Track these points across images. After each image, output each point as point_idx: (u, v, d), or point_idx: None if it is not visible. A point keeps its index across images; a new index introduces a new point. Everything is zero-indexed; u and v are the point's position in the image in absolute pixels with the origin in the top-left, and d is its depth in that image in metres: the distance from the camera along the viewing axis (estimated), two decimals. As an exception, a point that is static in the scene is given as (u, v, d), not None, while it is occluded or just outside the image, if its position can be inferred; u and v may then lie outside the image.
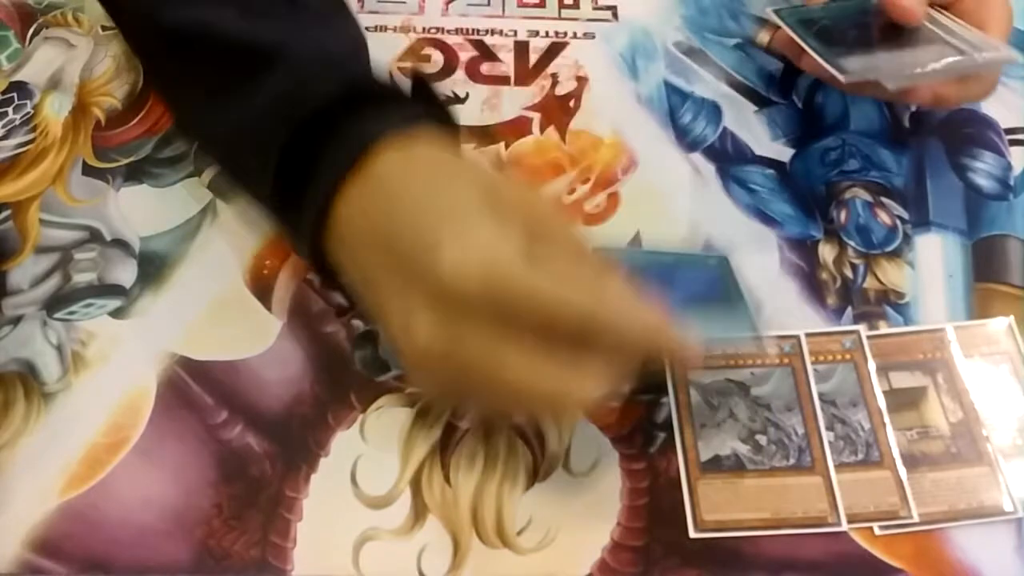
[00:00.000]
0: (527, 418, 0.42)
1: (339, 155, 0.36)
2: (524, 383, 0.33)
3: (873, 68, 0.46)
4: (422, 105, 0.40)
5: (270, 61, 0.39)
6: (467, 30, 0.58)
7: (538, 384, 0.33)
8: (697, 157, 0.53)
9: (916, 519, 0.41)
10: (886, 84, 0.45)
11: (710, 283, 0.43)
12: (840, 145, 0.54)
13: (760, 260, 0.49)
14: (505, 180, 0.40)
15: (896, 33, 0.48)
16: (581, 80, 0.56)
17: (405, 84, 0.40)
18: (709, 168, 0.52)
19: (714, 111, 0.55)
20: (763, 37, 0.57)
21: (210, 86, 0.41)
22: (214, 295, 0.47)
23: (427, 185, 0.35)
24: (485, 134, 0.53)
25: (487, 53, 0.57)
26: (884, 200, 0.51)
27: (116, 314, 0.46)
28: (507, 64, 0.56)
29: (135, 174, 0.50)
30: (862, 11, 0.49)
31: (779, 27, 0.50)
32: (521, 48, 0.57)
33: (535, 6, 0.60)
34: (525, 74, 0.56)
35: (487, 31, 0.58)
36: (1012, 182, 0.53)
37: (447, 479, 0.42)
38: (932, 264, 0.49)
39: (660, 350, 0.36)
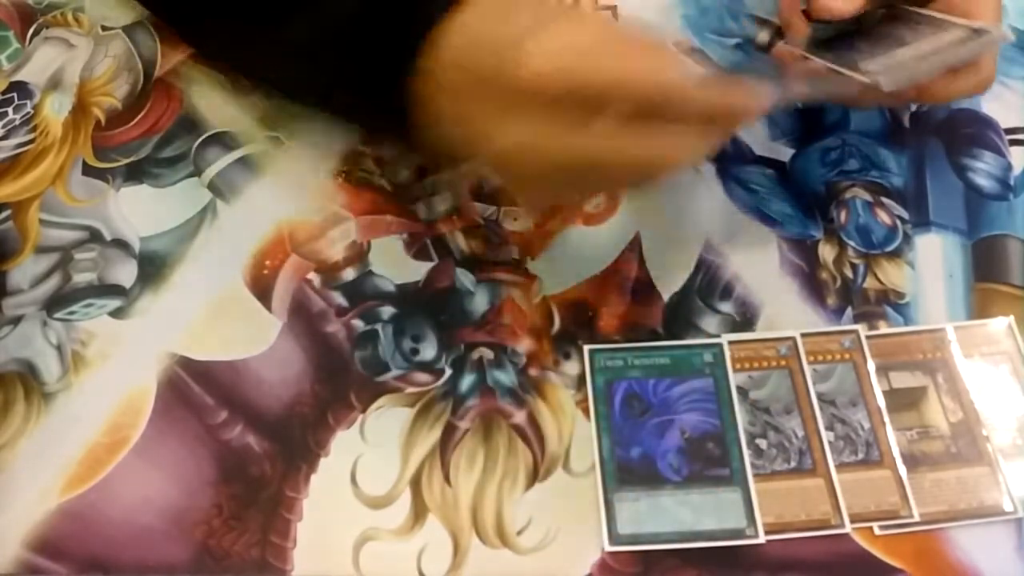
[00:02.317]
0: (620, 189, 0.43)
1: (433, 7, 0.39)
2: (613, 151, 0.36)
3: (885, 70, 0.43)
4: None
5: None
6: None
7: (625, 150, 0.36)
8: (697, 157, 0.52)
9: (916, 519, 0.41)
10: (882, 86, 0.43)
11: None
12: (840, 145, 0.54)
13: (760, 260, 0.49)
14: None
15: (884, 33, 0.47)
16: (581, 80, 0.56)
17: None
18: (709, 168, 0.52)
19: (714, 111, 0.55)
20: (763, 37, 0.57)
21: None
22: (214, 295, 0.47)
23: (500, 13, 0.38)
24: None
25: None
26: (884, 200, 0.51)
27: (116, 314, 0.46)
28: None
29: (135, 174, 0.50)
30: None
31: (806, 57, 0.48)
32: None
33: (535, 6, 0.59)
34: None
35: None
36: (1012, 182, 0.53)
37: (447, 479, 0.42)
38: (932, 264, 0.49)
39: (729, 112, 0.38)
